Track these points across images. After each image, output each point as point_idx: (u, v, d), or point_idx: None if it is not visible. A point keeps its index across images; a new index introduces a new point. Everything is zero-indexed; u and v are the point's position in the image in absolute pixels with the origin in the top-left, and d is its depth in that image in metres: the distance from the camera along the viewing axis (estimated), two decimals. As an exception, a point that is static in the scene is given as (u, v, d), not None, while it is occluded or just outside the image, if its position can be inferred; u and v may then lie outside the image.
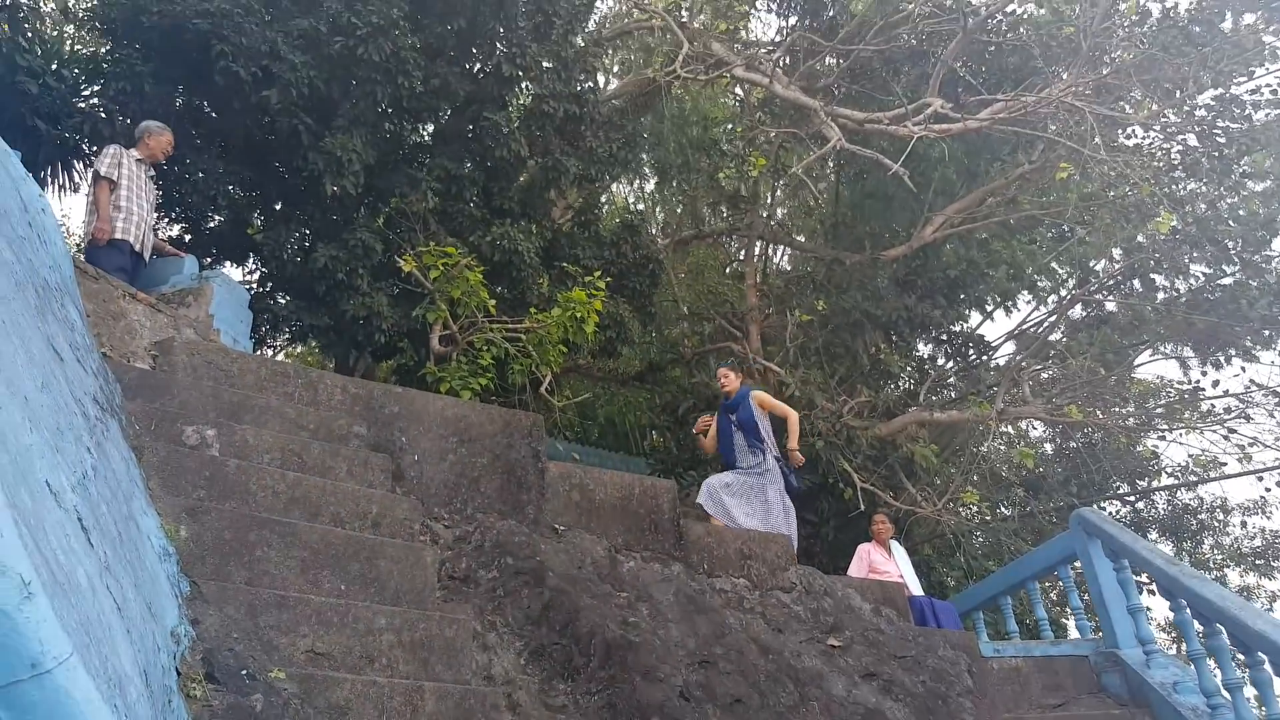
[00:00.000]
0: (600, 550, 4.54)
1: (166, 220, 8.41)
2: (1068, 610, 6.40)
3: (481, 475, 4.62)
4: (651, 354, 11.97)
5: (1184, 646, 4.78)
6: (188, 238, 8.55)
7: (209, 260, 8.52)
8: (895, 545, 7.39)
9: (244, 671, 2.44)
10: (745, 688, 3.81)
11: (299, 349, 12.45)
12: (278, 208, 8.83)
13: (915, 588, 7.05)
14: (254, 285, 8.73)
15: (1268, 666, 4.09)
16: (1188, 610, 4.70)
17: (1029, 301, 12.00)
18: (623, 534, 4.86)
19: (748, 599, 4.82)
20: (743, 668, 3.93)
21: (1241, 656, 4.28)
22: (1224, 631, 4.38)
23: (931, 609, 6.48)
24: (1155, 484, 13.49)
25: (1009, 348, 11.84)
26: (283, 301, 8.56)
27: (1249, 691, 4.53)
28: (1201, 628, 4.55)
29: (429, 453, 4.53)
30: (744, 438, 6.66)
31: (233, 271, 8.91)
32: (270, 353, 10.52)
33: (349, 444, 4.22)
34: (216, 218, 8.57)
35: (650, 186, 14.98)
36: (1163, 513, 14.10)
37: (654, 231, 12.95)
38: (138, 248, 6.05)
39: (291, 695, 2.34)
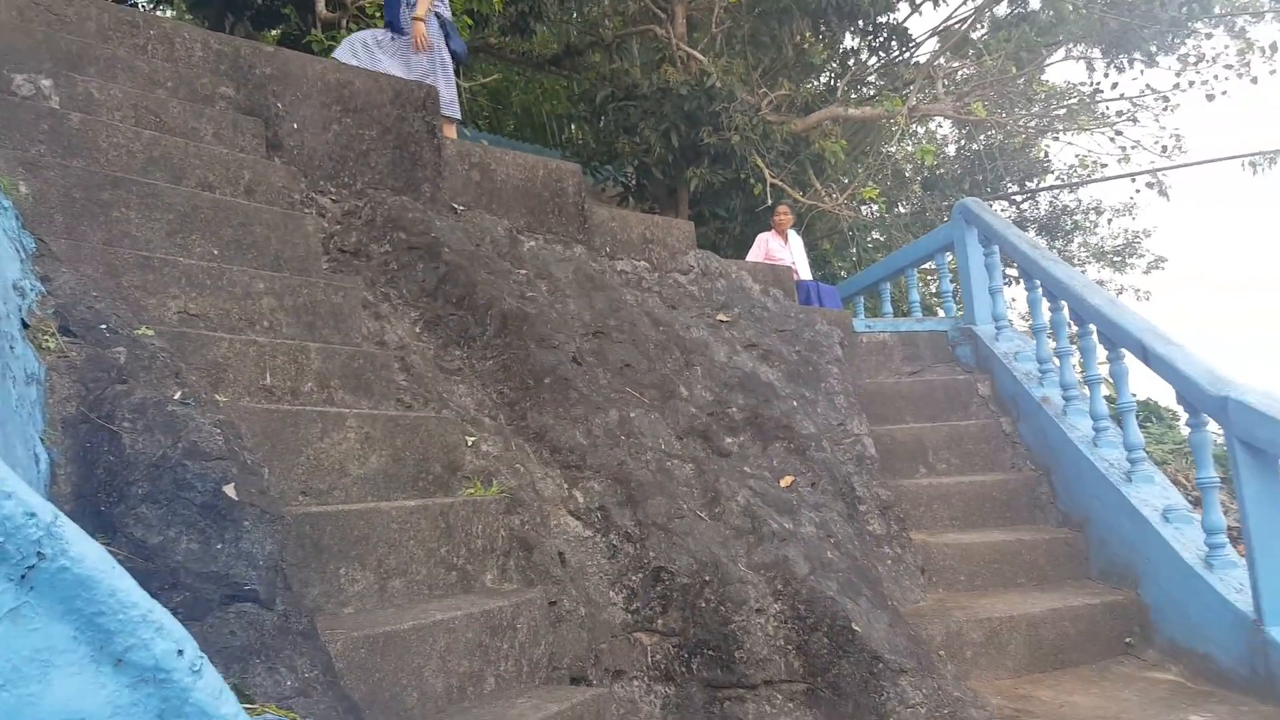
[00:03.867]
0: (500, 230, 4.53)
1: None
2: (940, 297, 6.93)
3: (371, 149, 4.42)
4: (570, 35, 11.17)
5: (1028, 324, 5.32)
6: None
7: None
8: (793, 235, 7.66)
9: (104, 326, 2.40)
10: (635, 354, 4.05)
11: (169, 13, 11.12)
12: None
13: (805, 273, 7.44)
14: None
15: (1095, 336, 4.59)
16: (1039, 289, 5.13)
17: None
18: (524, 215, 4.83)
19: (647, 279, 4.97)
20: (634, 338, 4.15)
21: (1076, 328, 4.78)
22: (1066, 307, 4.83)
23: (817, 291, 6.89)
24: (1041, 184, 14.08)
25: (932, 44, 11.54)
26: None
27: (1075, 359, 5.13)
28: (1048, 305, 5.01)
29: (310, 121, 4.26)
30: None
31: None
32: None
33: (215, 105, 3.91)
34: None
35: None
36: (1044, 213, 14.87)
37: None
38: None
39: (160, 350, 2.34)
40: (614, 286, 4.42)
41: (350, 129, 4.35)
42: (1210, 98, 10.23)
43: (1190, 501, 4.89)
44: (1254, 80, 10.37)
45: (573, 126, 12.00)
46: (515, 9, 9.40)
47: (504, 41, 10.33)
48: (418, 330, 3.67)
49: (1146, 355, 4.10)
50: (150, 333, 2.59)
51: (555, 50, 11.06)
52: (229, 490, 2.13)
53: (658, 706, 3.11)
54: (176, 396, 2.39)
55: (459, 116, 5.88)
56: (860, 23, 10.42)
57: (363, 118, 4.40)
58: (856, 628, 3.28)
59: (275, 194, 3.68)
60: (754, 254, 7.35)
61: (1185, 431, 4.34)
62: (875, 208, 12.07)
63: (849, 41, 11.09)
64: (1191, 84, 9.96)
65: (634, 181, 9.72)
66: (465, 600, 2.65)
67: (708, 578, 3.23)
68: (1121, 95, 9.86)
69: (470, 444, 3.14)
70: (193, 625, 1.94)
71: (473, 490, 2.99)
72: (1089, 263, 15.06)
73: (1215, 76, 10.29)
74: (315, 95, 4.29)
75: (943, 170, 12.83)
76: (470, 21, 6.82)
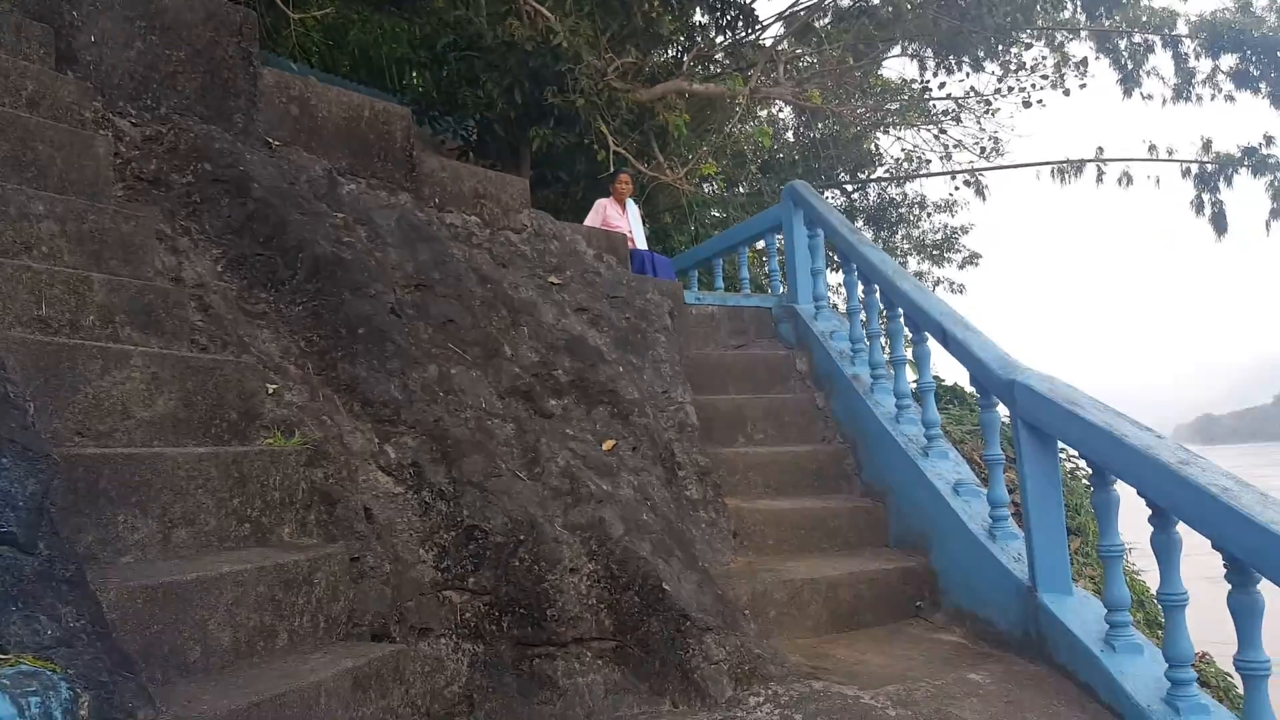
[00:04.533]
0: (319, 170, 4.27)
1: None
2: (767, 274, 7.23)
3: (179, 71, 4.05)
4: (413, -27, 10.59)
5: (846, 305, 5.62)
6: None
7: None
8: (631, 204, 7.70)
9: None
10: (460, 310, 3.94)
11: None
12: None
13: (641, 243, 7.50)
14: None
15: (902, 320, 4.89)
16: (856, 274, 5.41)
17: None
18: (347, 157, 4.58)
19: (477, 235, 4.84)
20: (459, 293, 4.03)
21: (886, 311, 5.07)
22: (879, 291, 5.12)
23: (651, 261, 6.97)
24: (871, 176, 14.87)
25: (778, 29, 11.87)
26: None
27: (884, 340, 5.44)
28: (863, 288, 5.29)
29: (110, 35, 3.86)
30: None
31: None
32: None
33: (-4, 6, 3.48)
34: None
35: None
36: (873, 204, 15.71)
37: None
38: None
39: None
40: (441, 239, 4.28)
41: (156, 48, 3.97)
42: (1027, 104, 11.09)
43: (981, 478, 5.31)
44: (1066, 92, 11.31)
45: (414, 74, 11.49)
46: (356, -57, 8.89)
47: (341, -27, 9.75)
48: (220, 269, 3.41)
49: (946, 339, 4.38)
50: (-106, 248, 2.28)
51: (396, -12, 10.52)
52: (-21, 425, 1.90)
53: (465, 664, 3.08)
54: (-79, 320, 2.11)
55: None
56: (710, -1, 10.57)
57: (170, 37, 4.02)
58: (667, 587, 3.35)
59: (64, 110, 3.31)
60: (591, 219, 7.34)
61: (983, 413, 4.65)
62: (716, 186, 12.34)
63: (698, 16, 11.24)
64: (1011, 90, 10.78)
65: (475, 136, 9.45)
66: (258, 553, 2.51)
67: (522, 537, 3.21)
68: (948, 95, 10.55)
69: (271, 392, 2.96)
70: (-61, 570, 1.74)
71: (272, 440, 2.82)
72: (911, 254, 16.05)
73: (1033, 85, 11.18)
74: (117, 7, 3.89)
75: (782, 155, 13.29)
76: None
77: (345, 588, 2.69)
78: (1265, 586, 2.68)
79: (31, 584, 1.79)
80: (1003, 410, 4.16)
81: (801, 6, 11.73)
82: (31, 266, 2.54)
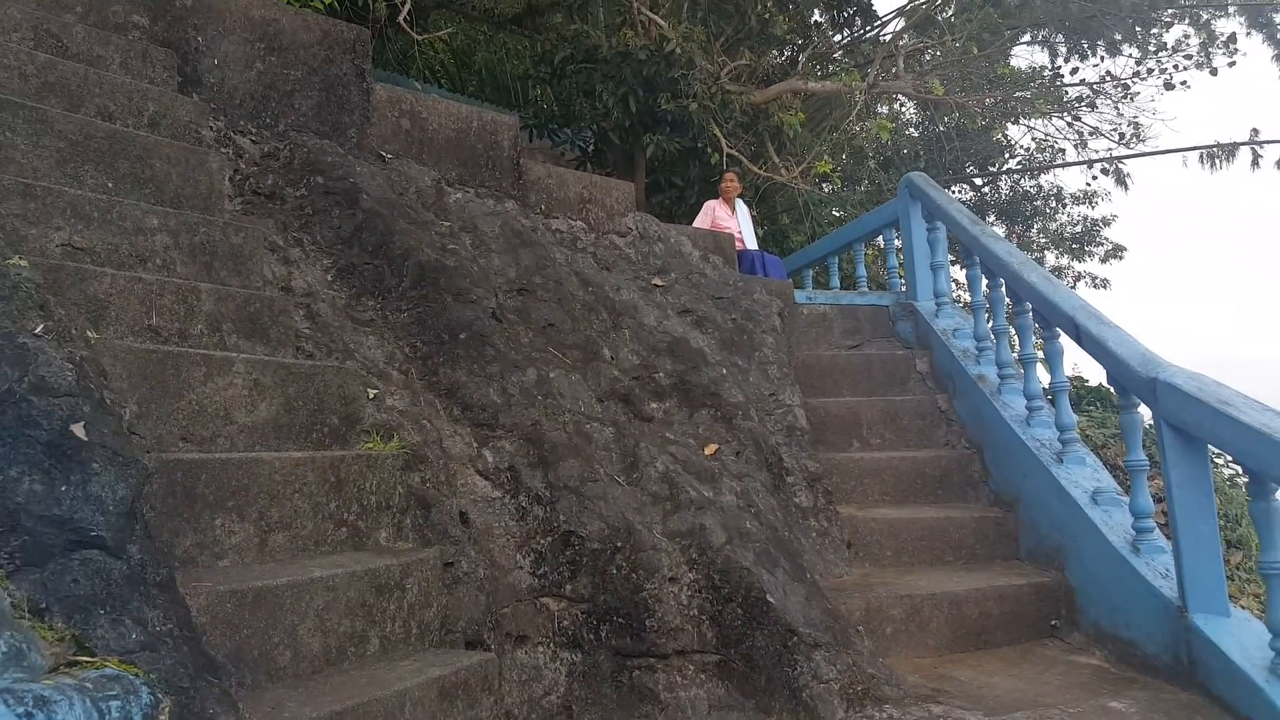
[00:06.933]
0: (427, 180, 4.35)
1: None
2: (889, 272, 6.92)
3: (295, 90, 4.21)
4: (532, -8, 10.85)
5: (970, 301, 5.27)
6: None
7: None
8: (740, 204, 7.55)
9: (-36, 250, 2.23)
10: (560, 314, 3.90)
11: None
12: None
13: (751, 242, 7.34)
14: None
15: (1031, 315, 4.54)
16: (979, 267, 5.08)
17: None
18: (456, 167, 4.65)
19: (582, 239, 4.82)
20: (560, 297, 4.00)
21: (1013, 305, 4.73)
22: (1004, 285, 4.78)
23: (761, 261, 6.80)
24: (1001, 168, 14.10)
25: (897, 24, 11.49)
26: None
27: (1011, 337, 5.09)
28: (987, 283, 4.96)
29: (232, 58, 4.05)
30: None
31: None
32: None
33: (127, 35, 3.68)
34: None
35: None
36: (1004, 197, 14.91)
37: None
38: None
39: (25, 281, 2.17)
40: (543, 244, 4.27)
41: (275, 68, 4.14)
42: (1169, 86, 10.24)
43: (1124, 486, 4.89)
44: (1214, 72, 10.39)
45: (536, 89, 11.74)
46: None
47: (464, -3, 10.06)
48: (329, 278, 3.49)
49: (1079, 334, 4.04)
50: (23, 263, 2.40)
51: (517, 9, 10.77)
52: (77, 429, 1.97)
53: (563, 673, 3.01)
54: (38, 330, 2.21)
55: None
56: (827, -2, 10.30)
57: (288, 57, 4.19)
58: (771, 599, 3.20)
59: (181, 129, 3.48)
60: (700, 221, 7.24)
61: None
62: (835, 184, 11.98)
63: (815, 16, 10.98)
64: (1151, 72, 9.96)
65: (593, 147, 9.54)
66: (352, 558, 2.52)
67: (620, 544, 3.13)
68: (1082, 81, 9.86)
69: (372, 396, 2.99)
70: (33, 571, 1.81)
71: (370, 445, 2.84)
72: (1048, 249, 15.14)
73: (1176, 66, 10.30)
74: (238, 31, 4.08)
75: (905, 150, 12.79)
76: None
77: (438, 593, 2.67)
78: None
79: (119, 587, 1.83)
80: (1145, 412, 3.81)
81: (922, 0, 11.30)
82: (143, 278, 2.64)
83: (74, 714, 1.44)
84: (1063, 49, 10.79)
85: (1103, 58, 10.18)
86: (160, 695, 1.67)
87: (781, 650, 3.14)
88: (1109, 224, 15.31)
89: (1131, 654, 3.68)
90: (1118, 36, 10.36)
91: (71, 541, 1.89)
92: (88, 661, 1.71)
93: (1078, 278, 15.04)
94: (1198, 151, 12.06)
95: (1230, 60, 10.82)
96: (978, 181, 14.54)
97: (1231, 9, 11.18)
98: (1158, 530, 3.86)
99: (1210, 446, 3.41)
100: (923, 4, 11.39)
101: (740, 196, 7.67)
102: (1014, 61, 11.41)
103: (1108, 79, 10.00)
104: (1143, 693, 3.37)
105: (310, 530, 2.53)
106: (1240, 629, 3.26)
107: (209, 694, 1.79)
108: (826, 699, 3.04)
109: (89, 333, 2.45)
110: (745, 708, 3.09)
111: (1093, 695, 3.35)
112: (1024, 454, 4.49)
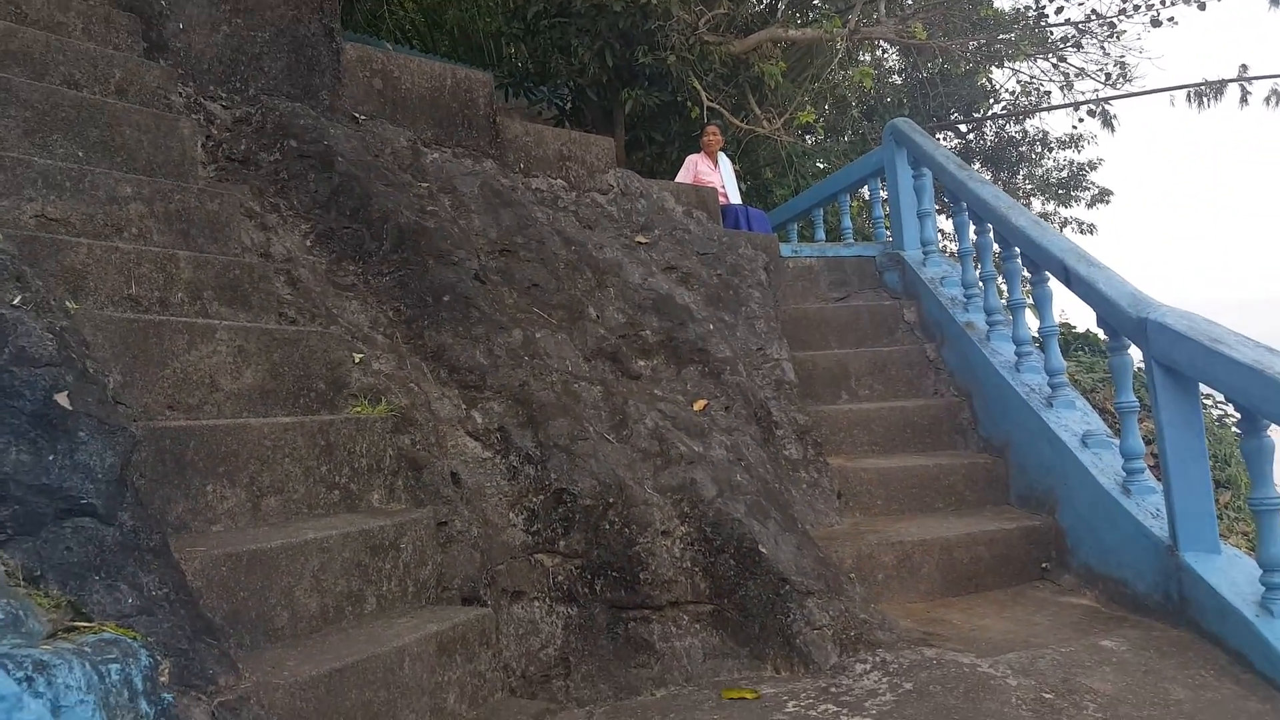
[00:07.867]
0: (403, 141, 4.28)
1: None
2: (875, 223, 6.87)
3: (264, 52, 4.12)
4: (502, -58, 10.58)
5: (957, 250, 5.25)
6: None
7: None
8: (723, 157, 7.47)
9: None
10: (544, 274, 3.88)
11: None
12: None
13: (734, 197, 7.28)
14: None
15: (1019, 260, 4.53)
16: (966, 213, 5.05)
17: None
18: (431, 127, 4.58)
19: (563, 198, 4.76)
20: (543, 256, 3.97)
21: (1000, 250, 4.71)
22: (991, 230, 4.76)
23: (745, 215, 6.74)
24: (986, 113, 13.98)
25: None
26: None
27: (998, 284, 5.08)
28: (975, 228, 4.94)
29: (197, 21, 3.95)
30: None
31: None
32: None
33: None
34: None
35: None
36: (989, 144, 14.81)
37: None
38: None
39: (0, 251, 2.14)
40: (524, 203, 4.23)
41: (241, 30, 4.05)
42: (1156, 23, 10.07)
43: (1114, 430, 4.91)
44: (1202, 6, 10.19)
45: (510, 47, 11.52)
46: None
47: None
48: (308, 243, 3.45)
49: (1069, 277, 4.03)
50: (-6, 235, 2.37)
51: (487, -39, 10.53)
52: (61, 399, 1.95)
53: (559, 627, 3.04)
54: (15, 301, 2.18)
55: None
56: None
57: (255, 19, 4.09)
58: (763, 549, 3.22)
59: (150, 95, 3.41)
60: (683, 175, 7.17)
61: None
62: (819, 136, 11.85)
63: (794, -38, 10.78)
64: (1138, 8, 9.78)
65: (570, 104, 9.39)
66: (345, 519, 2.52)
67: (611, 499, 3.14)
68: (1067, 21, 9.73)
69: (358, 361, 2.97)
70: (26, 540, 1.81)
71: (359, 408, 2.83)
72: (1034, 195, 15.06)
73: (1163, 1, 10.09)
74: (202, -8, 3.98)
75: (889, 98, 12.66)
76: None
77: (433, 552, 2.69)
78: None
79: (113, 554, 1.83)
80: (1136, 353, 3.80)
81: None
82: (120, 247, 2.61)
83: (74, 677, 1.44)
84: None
85: (1090, -8, 10.02)
86: (159, 657, 1.68)
87: (774, 599, 3.18)
88: (1095, 168, 15.24)
89: (1122, 593, 3.72)
90: (1102, -31, 10.16)
91: (62, 510, 1.89)
92: (85, 626, 1.71)
93: (1064, 223, 15.00)
94: (1185, 90, 11.95)
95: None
96: (963, 128, 14.43)
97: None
98: (1148, 471, 3.88)
99: (1201, 385, 3.42)
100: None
101: (722, 150, 7.59)
102: (997, 2, 11.25)
103: (1093, 17, 9.86)
104: (1134, 631, 3.41)
105: (302, 494, 2.53)
106: (1230, 565, 3.30)
107: (208, 655, 1.80)
108: (820, 644, 3.08)
109: (68, 303, 2.42)
110: (740, 655, 3.13)
111: (1084, 634, 3.40)
112: (1013, 399, 4.51)
